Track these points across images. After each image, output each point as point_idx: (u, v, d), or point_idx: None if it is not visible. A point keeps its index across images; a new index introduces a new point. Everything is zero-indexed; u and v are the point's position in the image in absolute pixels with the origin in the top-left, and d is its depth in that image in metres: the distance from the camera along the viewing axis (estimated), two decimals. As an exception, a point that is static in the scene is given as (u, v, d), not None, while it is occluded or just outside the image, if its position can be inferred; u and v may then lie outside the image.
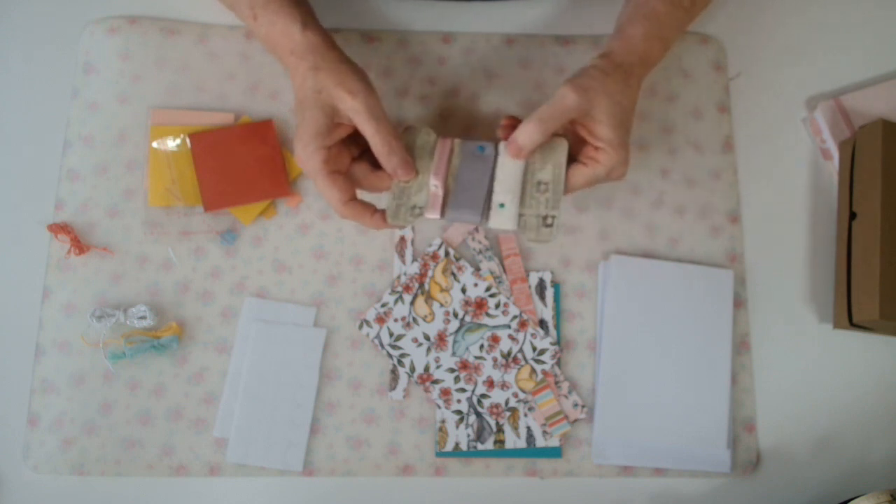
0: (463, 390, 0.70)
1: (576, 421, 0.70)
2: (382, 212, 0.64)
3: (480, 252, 0.72)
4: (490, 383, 0.70)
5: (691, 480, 0.70)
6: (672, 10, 0.67)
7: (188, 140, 0.72)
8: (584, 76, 0.63)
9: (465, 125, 0.75)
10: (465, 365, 0.70)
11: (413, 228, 0.72)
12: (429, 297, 0.71)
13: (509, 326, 0.71)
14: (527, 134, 0.62)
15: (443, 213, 0.64)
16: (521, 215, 0.63)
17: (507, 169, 0.64)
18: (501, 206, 0.63)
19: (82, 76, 0.74)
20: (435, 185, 0.64)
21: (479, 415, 0.69)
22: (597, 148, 0.63)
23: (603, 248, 0.73)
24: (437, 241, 0.72)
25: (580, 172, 0.64)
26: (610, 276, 0.72)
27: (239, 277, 0.71)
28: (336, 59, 0.63)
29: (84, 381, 0.69)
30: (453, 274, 0.71)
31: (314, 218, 0.72)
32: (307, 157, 0.62)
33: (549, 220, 0.63)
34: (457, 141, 0.66)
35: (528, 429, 0.69)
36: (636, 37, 0.65)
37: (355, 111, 0.62)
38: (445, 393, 0.69)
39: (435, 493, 0.69)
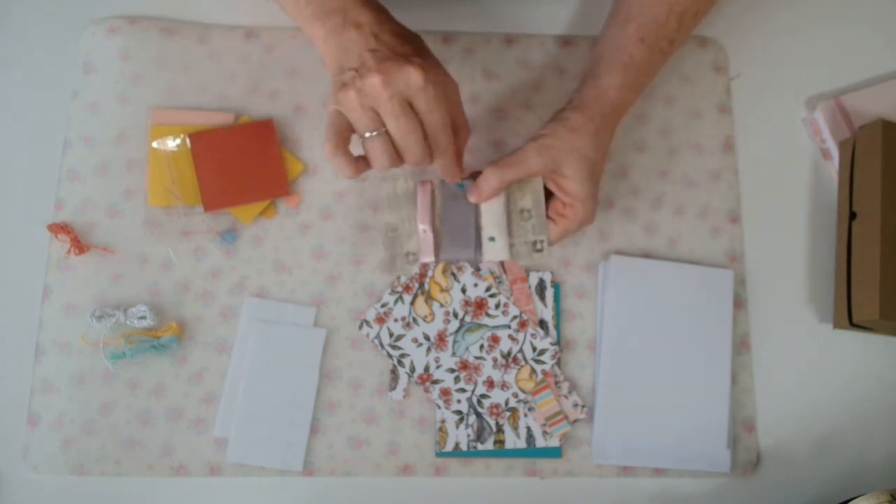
0: (463, 390, 0.70)
1: (576, 421, 0.70)
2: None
3: (480, 252, 0.72)
4: (490, 383, 0.70)
5: (691, 480, 0.70)
6: (650, 56, 0.66)
7: (188, 140, 0.72)
8: (549, 135, 0.64)
9: (465, 125, 0.75)
10: (465, 365, 0.70)
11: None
12: (429, 298, 0.71)
13: (509, 326, 0.71)
14: (485, 181, 0.64)
15: (437, 255, 0.66)
16: (511, 244, 0.66)
17: (490, 203, 0.66)
18: (491, 239, 0.66)
19: (82, 76, 0.74)
20: (424, 229, 0.66)
21: (479, 415, 0.69)
22: (565, 203, 0.65)
23: (603, 249, 0.73)
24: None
25: (552, 229, 0.66)
26: (610, 277, 0.72)
27: (239, 277, 0.71)
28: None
29: (84, 381, 0.69)
30: (453, 274, 0.71)
31: (314, 218, 0.72)
32: (439, 75, 0.58)
33: (539, 245, 0.65)
34: (436, 183, 0.67)
35: (528, 429, 0.69)
36: (612, 87, 0.65)
37: (458, 93, 0.61)
38: (445, 393, 0.69)
39: (435, 493, 0.69)
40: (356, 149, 0.61)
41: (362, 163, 0.61)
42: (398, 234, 0.66)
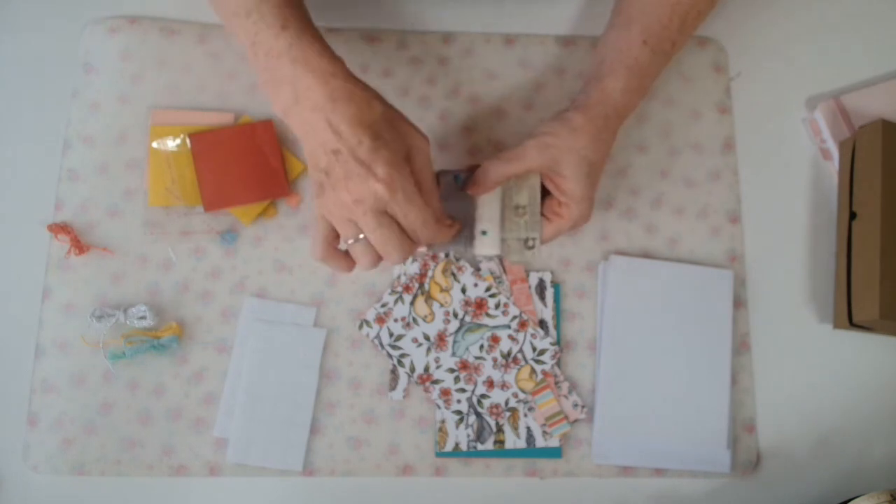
0: (463, 390, 0.70)
1: (576, 421, 0.70)
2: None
3: (480, 252, 0.72)
4: (490, 383, 0.70)
5: (691, 480, 0.70)
6: (654, 57, 0.66)
7: (188, 140, 0.72)
8: (550, 134, 0.64)
9: (464, 126, 0.75)
10: (465, 365, 0.70)
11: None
12: (429, 298, 0.71)
13: (509, 326, 0.71)
14: (484, 174, 0.64)
15: (430, 247, 0.65)
16: (503, 240, 0.66)
17: (485, 196, 0.66)
18: (484, 233, 0.65)
19: (82, 76, 0.74)
20: None
21: (479, 415, 0.69)
22: (561, 202, 0.65)
23: (603, 249, 0.73)
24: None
25: (545, 228, 0.66)
26: (610, 277, 0.72)
27: (239, 277, 0.71)
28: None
29: (84, 381, 0.69)
30: (453, 274, 0.71)
31: (314, 218, 0.72)
32: (405, 177, 0.57)
33: (531, 243, 0.66)
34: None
35: (528, 429, 0.69)
36: (615, 90, 0.65)
37: (426, 155, 0.60)
38: (445, 393, 0.69)
39: (435, 494, 0.69)
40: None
41: (353, 259, 0.63)
42: None
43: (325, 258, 0.61)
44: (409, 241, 0.59)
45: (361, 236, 0.59)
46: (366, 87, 0.59)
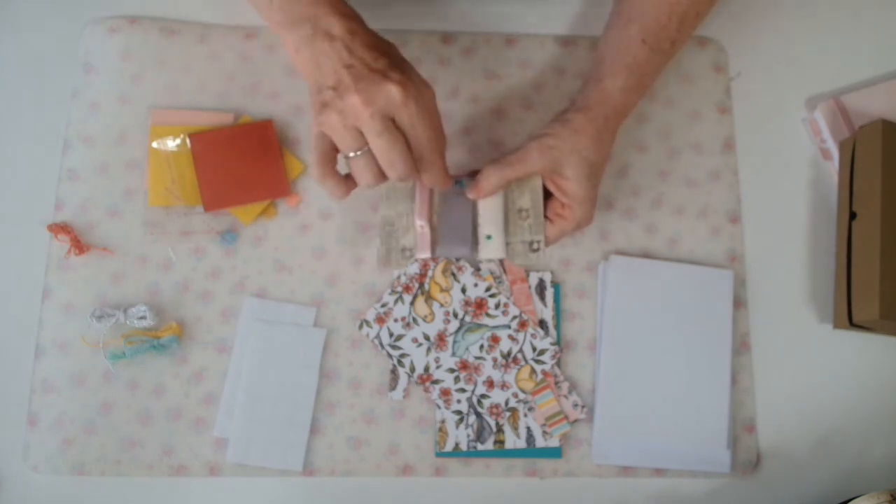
0: (463, 390, 0.70)
1: (576, 421, 0.70)
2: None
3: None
4: (490, 383, 0.70)
5: (691, 480, 0.70)
6: (653, 56, 0.66)
7: (188, 140, 0.72)
8: (551, 135, 0.64)
9: (464, 126, 0.75)
10: (465, 365, 0.70)
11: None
12: (429, 298, 0.71)
13: (509, 327, 0.71)
14: (485, 178, 0.64)
15: (433, 251, 0.65)
16: (508, 243, 0.66)
17: (488, 201, 0.66)
18: (488, 237, 0.65)
19: (82, 76, 0.74)
20: (421, 225, 0.65)
21: (479, 415, 0.69)
22: (563, 204, 0.65)
23: (603, 249, 0.73)
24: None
25: (548, 229, 0.66)
26: (610, 277, 0.72)
27: (239, 277, 0.71)
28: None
29: (84, 381, 0.69)
30: (453, 274, 0.71)
31: (314, 218, 0.72)
32: (419, 89, 0.57)
33: (536, 245, 0.65)
34: None
35: (528, 429, 0.69)
36: (615, 90, 0.65)
37: (433, 100, 0.60)
38: (445, 393, 0.69)
39: (435, 494, 0.69)
40: (343, 168, 0.62)
41: (351, 182, 0.62)
42: (394, 228, 0.66)
43: (322, 177, 0.60)
44: (409, 157, 0.58)
45: (361, 153, 0.58)
46: (382, 37, 0.60)
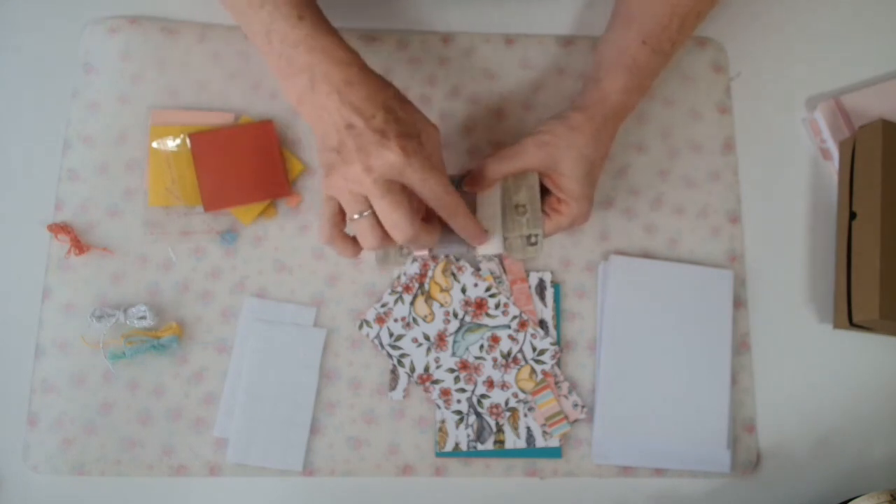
0: (463, 390, 0.70)
1: (576, 421, 0.70)
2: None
3: (480, 252, 0.72)
4: (490, 383, 0.70)
5: (691, 480, 0.70)
6: (653, 57, 0.66)
7: (188, 140, 0.72)
8: (549, 132, 0.64)
9: (464, 126, 0.75)
10: (465, 365, 0.70)
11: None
12: (429, 298, 0.71)
13: (509, 327, 0.71)
14: (482, 172, 0.65)
15: (431, 249, 0.65)
16: (505, 238, 0.66)
17: (485, 197, 0.66)
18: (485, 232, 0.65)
19: (82, 76, 0.74)
20: None
21: (479, 415, 0.69)
22: (559, 199, 0.65)
23: (603, 249, 0.73)
24: (437, 242, 0.72)
25: (544, 223, 0.66)
26: (610, 277, 0.72)
27: (239, 277, 0.71)
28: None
29: (84, 381, 0.69)
30: (453, 274, 0.71)
31: (314, 218, 0.72)
32: (419, 147, 0.57)
33: (533, 239, 0.65)
34: None
35: (528, 429, 0.69)
36: (614, 91, 0.65)
37: (436, 140, 0.60)
38: (445, 393, 0.69)
39: (435, 494, 0.69)
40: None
41: (359, 243, 0.61)
42: None
43: (330, 240, 0.61)
44: (415, 215, 0.58)
45: (367, 213, 0.58)
46: (381, 77, 0.59)
